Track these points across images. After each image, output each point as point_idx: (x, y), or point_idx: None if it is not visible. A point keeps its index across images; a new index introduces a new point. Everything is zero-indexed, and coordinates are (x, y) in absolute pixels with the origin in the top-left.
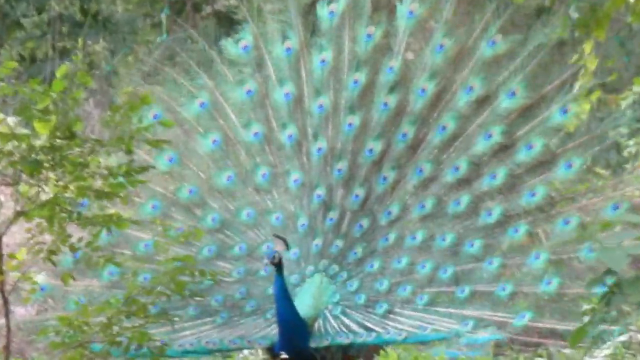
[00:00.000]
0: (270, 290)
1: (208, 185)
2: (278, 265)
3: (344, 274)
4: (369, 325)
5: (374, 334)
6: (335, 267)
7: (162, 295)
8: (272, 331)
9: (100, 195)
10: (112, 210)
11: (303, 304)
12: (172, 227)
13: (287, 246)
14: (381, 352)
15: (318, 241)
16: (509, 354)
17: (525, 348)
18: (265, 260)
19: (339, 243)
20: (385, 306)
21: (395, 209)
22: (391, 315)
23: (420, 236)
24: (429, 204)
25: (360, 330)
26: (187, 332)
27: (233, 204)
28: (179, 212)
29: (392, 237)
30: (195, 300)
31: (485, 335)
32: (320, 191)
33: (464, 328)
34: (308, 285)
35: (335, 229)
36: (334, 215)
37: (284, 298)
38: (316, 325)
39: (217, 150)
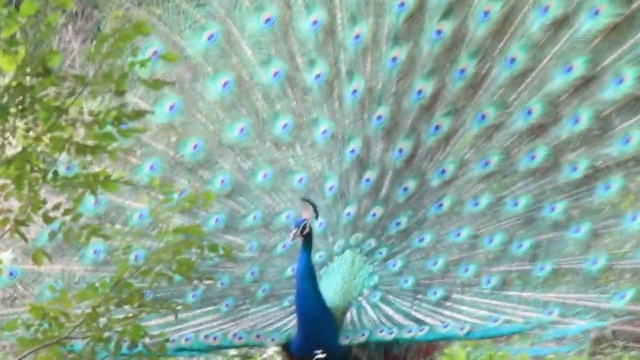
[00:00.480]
0: (290, 270)
1: (217, 140)
2: (306, 237)
3: (384, 250)
4: (419, 316)
5: (426, 328)
6: (372, 242)
7: (161, 278)
8: (290, 323)
9: (82, 149)
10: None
11: (330, 290)
12: (176, 189)
13: (317, 213)
14: (445, 351)
15: (350, 208)
16: (609, 352)
17: (634, 345)
18: (294, 230)
19: (378, 211)
20: (440, 291)
21: (450, 167)
22: (448, 303)
23: (484, 200)
24: (494, 158)
25: (408, 323)
26: (183, 325)
27: (247, 163)
28: (181, 175)
29: (447, 202)
30: (200, 283)
31: (581, 324)
32: (355, 145)
33: (547, 317)
34: (336, 265)
35: (373, 193)
36: (371, 175)
37: (308, 280)
38: (348, 316)
39: (229, 95)
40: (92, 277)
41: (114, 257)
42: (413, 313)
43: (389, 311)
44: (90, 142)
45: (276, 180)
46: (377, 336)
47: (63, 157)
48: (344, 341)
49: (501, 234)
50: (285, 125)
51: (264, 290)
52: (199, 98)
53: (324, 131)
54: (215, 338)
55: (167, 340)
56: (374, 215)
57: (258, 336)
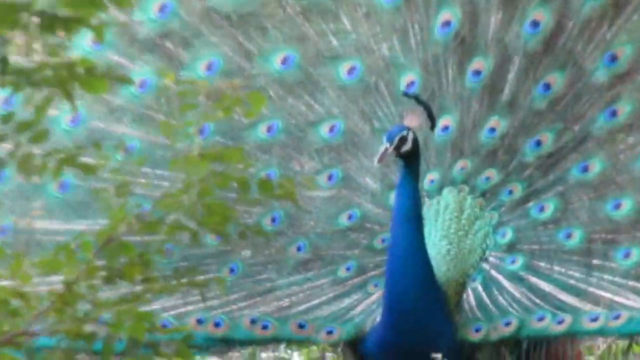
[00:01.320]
0: (345, 219)
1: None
2: (408, 158)
3: (517, 187)
4: (602, 294)
5: (624, 314)
6: (493, 174)
7: (180, 234)
8: (356, 308)
9: (49, 23)
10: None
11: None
12: (203, 88)
13: (433, 120)
14: None
15: (449, 119)
16: None
17: None
18: (384, 146)
19: (498, 123)
20: (638, 252)
21: (626, 51)
22: None
23: None
24: None
25: (585, 306)
26: (164, 303)
27: (253, 40)
28: (142, 56)
29: (625, 108)
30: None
31: None
32: (450, 14)
33: None
34: (431, 213)
35: (488, 94)
36: (482, 64)
37: (413, 228)
38: (470, 297)
39: None
40: (61, 235)
41: (103, 201)
42: (590, 290)
43: (544, 286)
44: (62, 12)
45: (307, 69)
46: (536, 327)
47: (16, 36)
48: (472, 336)
49: None
50: None
51: (299, 250)
52: None
53: None
54: (217, 325)
55: (189, 338)
56: (492, 131)
57: (301, 326)
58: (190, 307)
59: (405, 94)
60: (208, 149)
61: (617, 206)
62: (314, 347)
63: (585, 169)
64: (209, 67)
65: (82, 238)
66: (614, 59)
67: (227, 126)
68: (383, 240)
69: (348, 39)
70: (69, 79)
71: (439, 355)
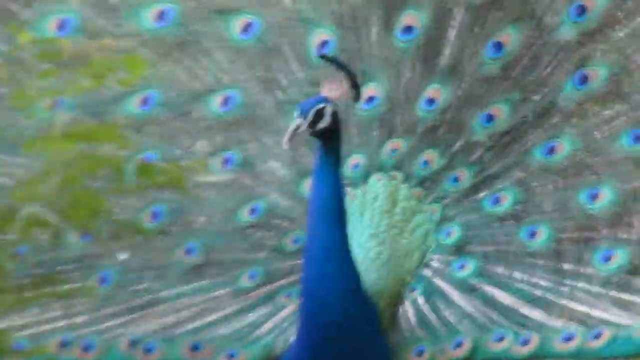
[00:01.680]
0: (244, 214)
1: None
2: (327, 137)
3: (465, 174)
4: (574, 307)
5: (604, 332)
6: (433, 157)
7: (38, 231)
8: (264, 324)
9: None
10: None
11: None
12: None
13: (357, 89)
14: None
15: (373, 89)
16: None
17: None
18: (295, 122)
19: (438, 93)
20: (622, 256)
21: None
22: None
23: None
24: None
25: (558, 324)
26: (17, 319)
27: None
28: None
29: (599, 73)
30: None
31: None
32: None
33: None
34: (356, 207)
35: (421, 55)
36: (414, 17)
37: (333, 222)
38: (407, 311)
39: None
40: None
41: None
42: (561, 302)
43: (503, 298)
44: None
45: (189, 27)
46: (494, 349)
47: None
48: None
49: None
50: None
51: (189, 253)
52: None
53: None
54: (87, 348)
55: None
56: (431, 102)
57: (195, 348)
58: (51, 325)
59: (322, 57)
60: (73, 127)
61: (594, 197)
62: None
63: (550, 150)
64: (62, 26)
65: None
66: (582, 11)
67: (88, 98)
68: (296, 240)
69: None
70: None
71: None
